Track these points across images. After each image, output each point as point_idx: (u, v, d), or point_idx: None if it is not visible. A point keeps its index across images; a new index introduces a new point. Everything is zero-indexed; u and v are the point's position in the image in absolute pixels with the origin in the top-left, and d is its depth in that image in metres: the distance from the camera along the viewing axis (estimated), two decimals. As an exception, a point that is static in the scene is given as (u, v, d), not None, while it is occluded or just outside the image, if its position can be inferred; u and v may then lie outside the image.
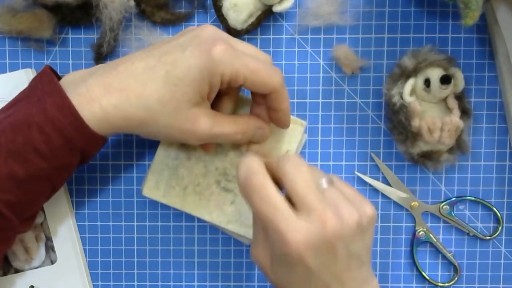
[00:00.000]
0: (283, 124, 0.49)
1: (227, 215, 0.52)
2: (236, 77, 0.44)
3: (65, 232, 0.55)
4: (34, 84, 0.46)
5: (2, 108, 0.46)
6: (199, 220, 0.54)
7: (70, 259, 0.55)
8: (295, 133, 0.52)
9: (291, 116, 0.52)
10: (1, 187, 0.43)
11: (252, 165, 0.43)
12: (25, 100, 0.45)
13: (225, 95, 0.49)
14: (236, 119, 0.48)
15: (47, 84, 0.45)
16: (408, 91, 0.52)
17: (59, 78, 0.47)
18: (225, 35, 0.47)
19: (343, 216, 0.40)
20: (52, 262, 0.55)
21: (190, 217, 0.56)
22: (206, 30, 0.45)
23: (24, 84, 0.47)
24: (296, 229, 0.40)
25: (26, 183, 0.44)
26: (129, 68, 0.44)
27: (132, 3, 0.52)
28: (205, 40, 0.44)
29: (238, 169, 0.44)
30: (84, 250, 0.57)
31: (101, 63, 0.55)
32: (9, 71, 0.55)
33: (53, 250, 0.55)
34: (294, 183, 0.41)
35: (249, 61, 0.45)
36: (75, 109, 0.43)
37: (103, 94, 0.43)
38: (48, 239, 0.55)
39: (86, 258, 0.57)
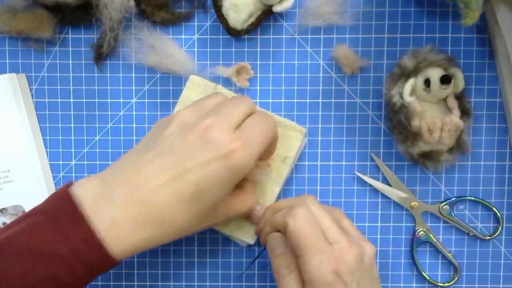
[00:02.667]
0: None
1: None
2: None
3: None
4: (50, 201, 0.43)
5: (13, 222, 0.43)
6: (199, 220, 0.54)
7: None
8: (294, 141, 0.52)
9: (291, 123, 0.52)
10: None
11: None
12: (40, 217, 0.42)
13: None
14: (245, 198, 0.49)
15: (64, 204, 0.42)
16: (408, 91, 0.52)
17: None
18: (224, 115, 0.44)
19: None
20: None
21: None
22: (212, 130, 0.43)
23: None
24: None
25: None
26: (152, 197, 0.42)
27: (132, 3, 0.52)
28: (219, 145, 0.42)
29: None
30: (84, 250, 0.57)
31: (101, 64, 0.55)
32: (9, 71, 0.55)
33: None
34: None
35: (256, 134, 0.45)
36: (104, 247, 0.41)
37: (133, 229, 0.42)
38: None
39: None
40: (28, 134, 0.55)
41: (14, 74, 0.55)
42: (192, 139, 0.43)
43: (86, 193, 0.42)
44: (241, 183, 0.48)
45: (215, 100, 0.47)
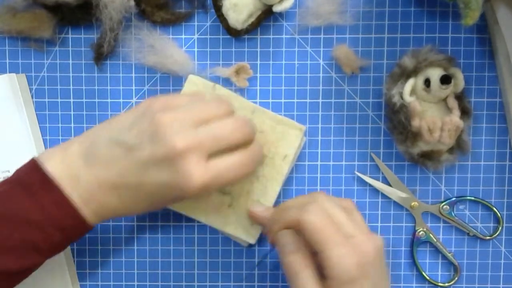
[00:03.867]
0: None
1: (224, 217, 0.52)
2: None
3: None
4: (18, 173, 0.44)
5: None
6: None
7: (51, 264, 0.54)
8: (293, 139, 0.52)
9: (290, 121, 0.52)
10: None
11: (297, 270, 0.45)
12: (11, 185, 0.43)
13: None
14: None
15: (35, 173, 0.43)
16: (408, 91, 0.52)
17: None
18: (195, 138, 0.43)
19: None
20: None
21: (190, 217, 0.56)
22: (187, 163, 0.42)
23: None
24: None
25: (16, 275, 0.43)
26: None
27: (132, 3, 0.52)
28: (188, 179, 0.42)
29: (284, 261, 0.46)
30: (84, 250, 0.57)
31: (101, 64, 0.55)
32: (9, 71, 0.55)
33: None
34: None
35: (227, 171, 0.44)
36: (78, 211, 0.42)
37: (101, 193, 0.43)
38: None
39: (86, 258, 0.57)
40: (28, 134, 0.55)
41: (14, 74, 0.55)
42: (159, 157, 0.42)
43: (53, 161, 0.43)
44: None
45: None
